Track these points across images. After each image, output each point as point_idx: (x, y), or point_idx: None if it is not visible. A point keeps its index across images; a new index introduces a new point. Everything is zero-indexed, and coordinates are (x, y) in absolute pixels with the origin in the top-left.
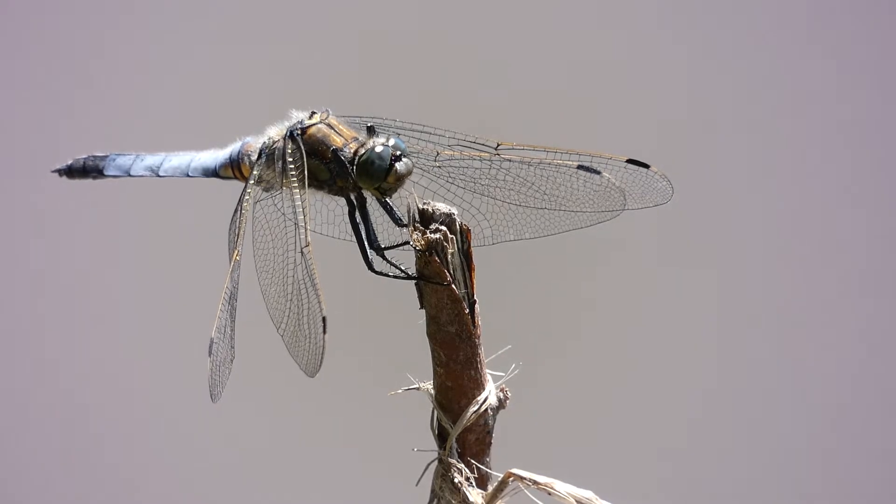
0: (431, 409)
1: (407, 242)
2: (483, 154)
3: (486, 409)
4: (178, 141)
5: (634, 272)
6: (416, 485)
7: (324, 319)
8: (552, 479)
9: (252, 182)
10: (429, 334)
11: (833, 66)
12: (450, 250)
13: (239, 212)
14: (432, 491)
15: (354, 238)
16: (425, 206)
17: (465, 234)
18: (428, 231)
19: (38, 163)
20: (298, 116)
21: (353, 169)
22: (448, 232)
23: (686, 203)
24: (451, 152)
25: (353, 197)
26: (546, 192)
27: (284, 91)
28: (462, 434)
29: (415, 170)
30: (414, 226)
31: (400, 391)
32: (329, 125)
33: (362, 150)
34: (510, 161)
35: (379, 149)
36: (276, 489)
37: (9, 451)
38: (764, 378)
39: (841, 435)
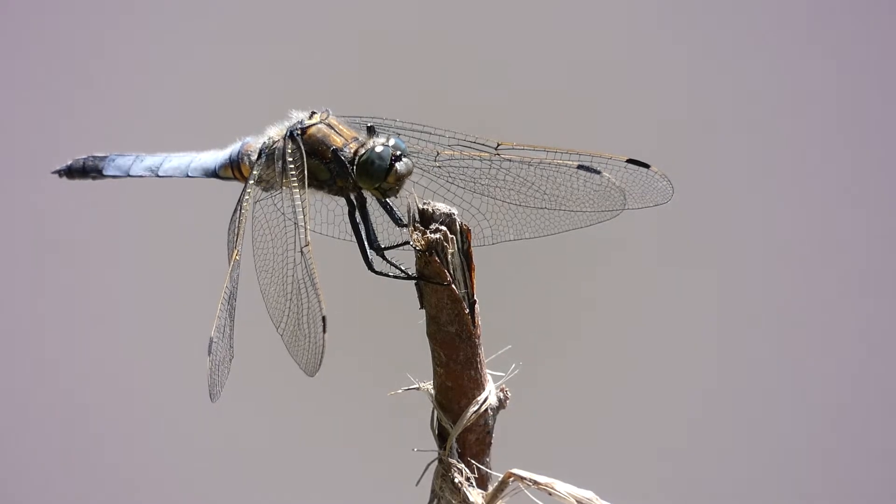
0: (431, 409)
1: (407, 242)
2: (483, 154)
3: (486, 409)
4: (178, 141)
5: (634, 272)
6: (416, 485)
7: (323, 319)
8: (552, 479)
9: (252, 182)
10: (429, 334)
11: (833, 66)
12: (450, 250)
13: (239, 211)
14: (432, 491)
15: (354, 238)
16: (425, 206)
17: (465, 234)
18: (428, 231)
19: (38, 163)
20: (298, 116)
21: (353, 169)
22: (448, 232)
23: (686, 203)
24: (451, 152)
25: (353, 197)
26: (546, 192)
27: (284, 91)
28: (462, 434)
29: (415, 170)
30: (414, 226)
31: (400, 391)
32: (329, 125)
33: (362, 150)
34: (510, 161)
35: (379, 149)
36: (276, 489)
37: (9, 451)
38: (764, 378)
39: (841, 435)
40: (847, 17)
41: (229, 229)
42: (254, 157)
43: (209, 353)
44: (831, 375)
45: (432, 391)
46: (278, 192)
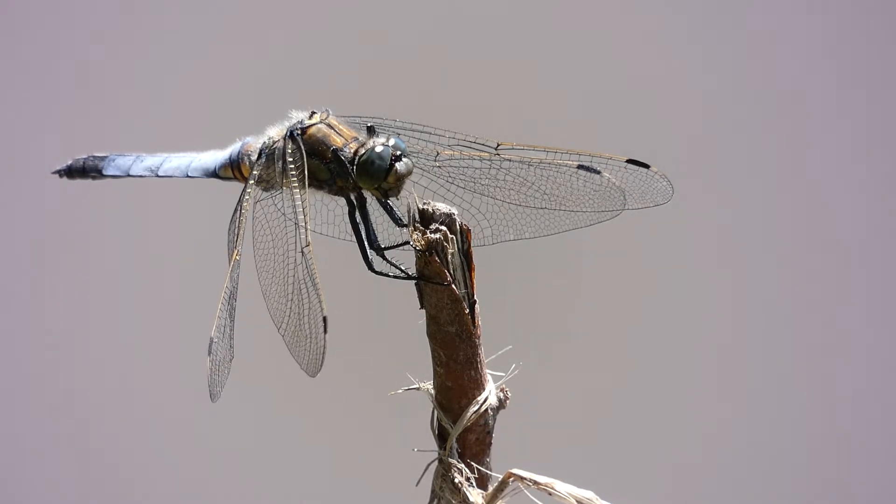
0: (431, 409)
1: (407, 242)
2: (483, 154)
3: (486, 409)
4: (178, 141)
5: (634, 272)
6: (417, 485)
7: (325, 319)
8: (552, 479)
9: (252, 182)
10: (429, 334)
11: (833, 66)
12: (450, 250)
13: (239, 211)
14: (432, 491)
15: (354, 238)
16: (425, 206)
17: (465, 234)
18: (428, 231)
19: (38, 163)
20: (298, 116)
21: (353, 169)
22: (448, 232)
23: (686, 203)
24: (451, 152)
25: (353, 197)
26: (546, 192)
27: (284, 91)
28: (462, 434)
29: (415, 170)
30: (414, 226)
31: (400, 391)
32: (329, 125)
33: (362, 150)
34: (510, 161)
35: (379, 149)
36: (277, 489)
37: (9, 451)
38: (764, 378)
39: (841, 435)
40: (847, 18)
41: (229, 229)
42: (254, 158)
43: (209, 353)
44: (831, 375)
45: (432, 391)
46: (278, 192)
